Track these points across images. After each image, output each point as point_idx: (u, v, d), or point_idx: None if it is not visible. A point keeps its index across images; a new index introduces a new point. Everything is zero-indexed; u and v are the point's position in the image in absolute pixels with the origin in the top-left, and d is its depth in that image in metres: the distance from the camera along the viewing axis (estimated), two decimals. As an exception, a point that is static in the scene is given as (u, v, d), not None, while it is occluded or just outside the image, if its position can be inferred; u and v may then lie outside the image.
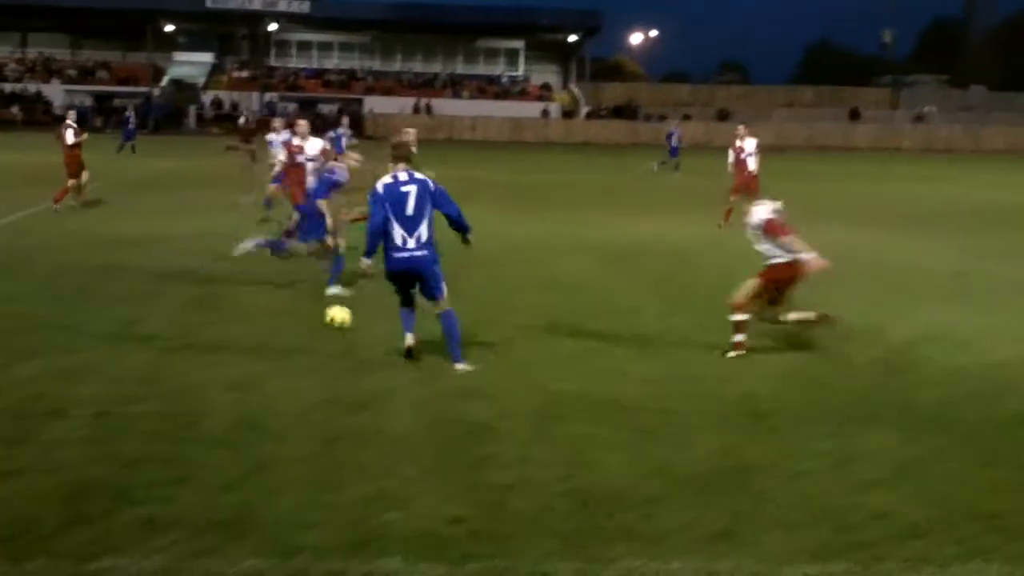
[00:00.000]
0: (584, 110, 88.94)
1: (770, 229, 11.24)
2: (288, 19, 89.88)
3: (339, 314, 10.85)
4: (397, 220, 10.27)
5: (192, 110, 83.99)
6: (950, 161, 61.25)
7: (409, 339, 10.67)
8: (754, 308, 11.34)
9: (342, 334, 11.05)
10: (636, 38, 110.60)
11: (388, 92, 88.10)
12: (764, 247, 11.36)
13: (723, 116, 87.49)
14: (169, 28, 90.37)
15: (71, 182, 23.62)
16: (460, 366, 10.27)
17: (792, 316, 11.54)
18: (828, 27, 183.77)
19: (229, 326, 12.11)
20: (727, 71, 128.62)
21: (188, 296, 13.94)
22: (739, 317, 11.20)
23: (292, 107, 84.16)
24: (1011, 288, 16.00)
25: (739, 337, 11.16)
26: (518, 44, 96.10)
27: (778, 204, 11.53)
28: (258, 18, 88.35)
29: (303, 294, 14.13)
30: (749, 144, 24.07)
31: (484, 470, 7.48)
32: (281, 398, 9.16)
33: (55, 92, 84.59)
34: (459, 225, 10.73)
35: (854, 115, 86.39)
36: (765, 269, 11.33)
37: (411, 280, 10.57)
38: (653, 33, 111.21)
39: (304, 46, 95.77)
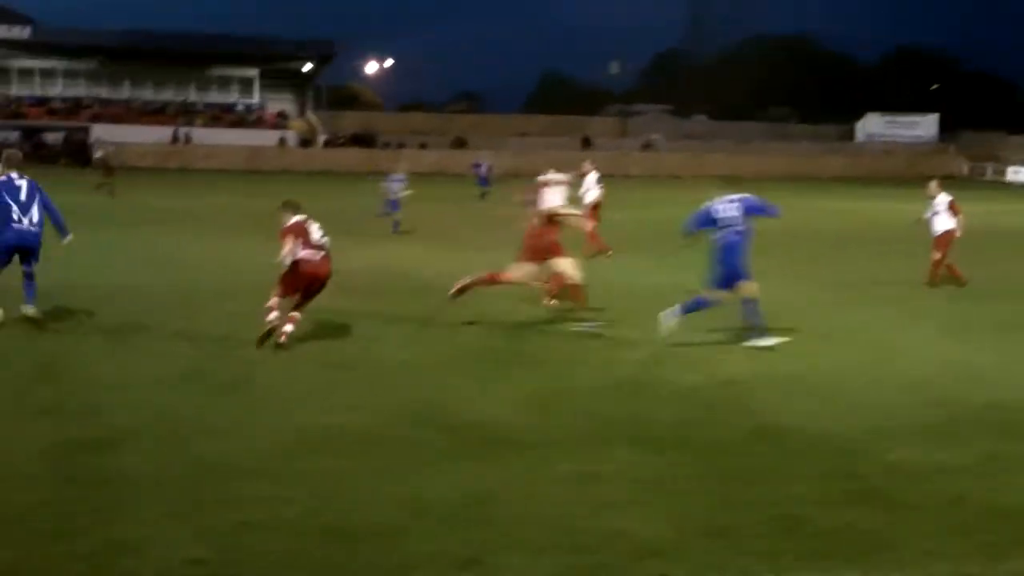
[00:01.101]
0: (322, 138, 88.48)
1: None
2: (8, 45, 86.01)
3: None
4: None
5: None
6: (677, 185, 63.86)
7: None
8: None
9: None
10: (371, 67, 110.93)
11: (117, 120, 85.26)
12: None
13: (459, 144, 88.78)
14: None
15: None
16: None
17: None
18: (557, 58, 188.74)
19: None
20: (461, 100, 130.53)
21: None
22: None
23: (14, 136, 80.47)
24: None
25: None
26: (252, 72, 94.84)
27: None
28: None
29: (36, 332, 13.53)
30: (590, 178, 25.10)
31: (229, 509, 7.35)
32: (11, 442, 8.77)
33: None
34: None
35: (586, 143, 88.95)
36: None
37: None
38: (388, 62, 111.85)
39: (26, 73, 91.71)
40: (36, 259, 13.86)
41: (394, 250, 24.65)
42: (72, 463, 8.29)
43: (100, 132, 78.84)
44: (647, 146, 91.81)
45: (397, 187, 31.10)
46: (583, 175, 24.79)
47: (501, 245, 18.74)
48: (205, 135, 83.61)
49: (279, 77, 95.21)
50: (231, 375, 11.46)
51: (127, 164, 59.12)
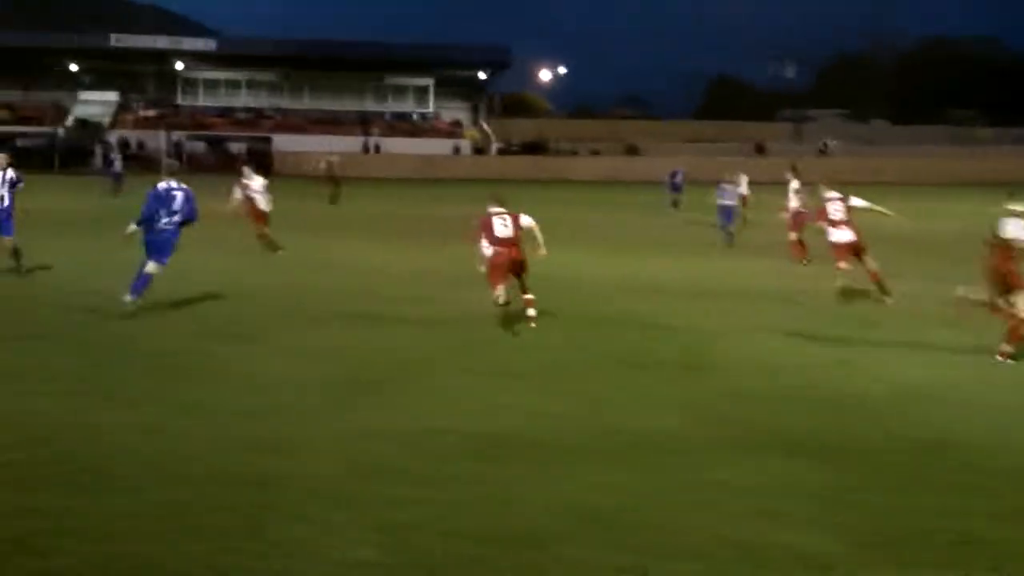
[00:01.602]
0: (495, 146, 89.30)
1: None
2: (194, 57, 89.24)
3: None
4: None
5: (98, 149, 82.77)
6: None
7: None
8: None
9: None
10: (544, 74, 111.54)
11: (296, 130, 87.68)
12: None
13: (632, 151, 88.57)
14: (73, 67, 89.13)
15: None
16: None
17: None
18: (729, 61, 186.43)
19: (135, 369, 11.96)
20: (627, 104, 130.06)
21: (89, 336, 13.71)
22: None
23: (200, 146, 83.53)
24: (909, 315, 16.40)
25: None
26: (427, 81, 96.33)
27: None
28: (164, 56, 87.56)
29: (206, 336, 14.00)
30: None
31: (397, 510, 7.48)
32: (194, 442, 9.08)
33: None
34: None
35: (759, 149, 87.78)
36: None
37: None
38: (561, 69, 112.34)
39: (211, 84, 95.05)
40: (166, 257, 15.64)
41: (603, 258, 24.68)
42: (242, 463, 8.55)
43: (280, 142, 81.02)
44: (822, 152, 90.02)
45: (731, 196, 30.01)
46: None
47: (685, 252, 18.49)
48: (387, 144, 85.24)
49: (454, 85, 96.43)
50: (399, 379, 11.67)
51: (305, 173, 60.62)
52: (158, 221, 15.62)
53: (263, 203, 24.45)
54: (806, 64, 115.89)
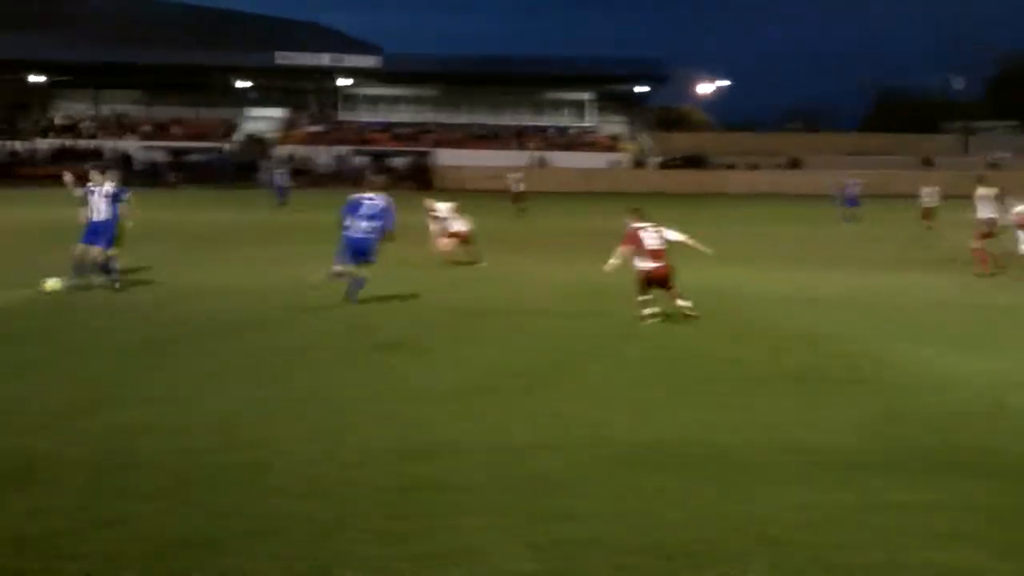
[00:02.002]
0: (653, 160, 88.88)
1: None
2: (357, 74, 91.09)
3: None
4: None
5: (265, 165, 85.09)
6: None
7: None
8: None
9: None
10: (703, 87, 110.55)
11: (456, 144, 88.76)
12: None
13: (794, 164, 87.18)
14: (241, 84, 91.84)
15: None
16: None
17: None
18: (895, 74, 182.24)
19: (303, 375, 12.13)
20: (793, 119, 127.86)
21: (263, 345, 14.00)
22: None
23: (365, 160, 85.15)
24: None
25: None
26: (585, 95, 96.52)
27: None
28: (328, 73, 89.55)
29: (366, 346, 14.13)
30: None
31: (555, 524, 7.34)
32: (351, 448, 9.12)
33: (130, 148, 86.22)
34: None
35: (927, 162, 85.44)
36: None
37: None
38: (721, 83, 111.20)
39: (373, 100, 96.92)
40: (367, 261, 17.69)
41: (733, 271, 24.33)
42: (403, 471, 8.52)
43: (440, 157, 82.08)
44: (993, 165, 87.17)
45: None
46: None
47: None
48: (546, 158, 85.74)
49: (612, 99, 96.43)
50: (565, 390, 11.57)
51: (466, 187, 61.23)
52: (351, 226, 17.65)
53: (459, 225, 24.75)
54: (974, 76, 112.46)
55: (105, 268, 19.46)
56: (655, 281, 16.02)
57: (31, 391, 11.10)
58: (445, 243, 24.79)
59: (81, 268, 19.26)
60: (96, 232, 19.37)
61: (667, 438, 9.62)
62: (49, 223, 34.88)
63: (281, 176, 53.71)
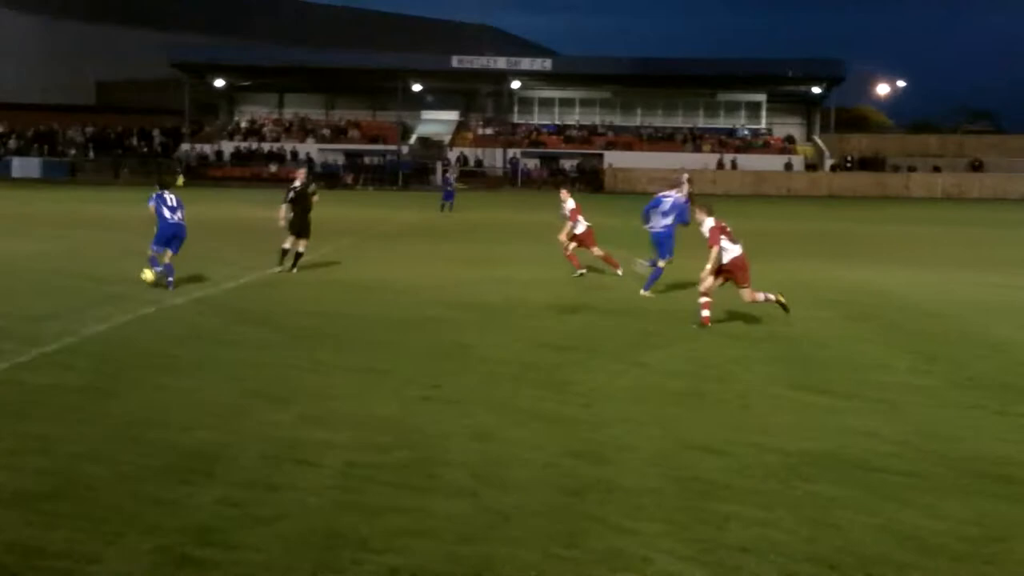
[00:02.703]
0: (828, 162, 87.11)
1: None
2: (531, 77, 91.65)
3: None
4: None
5: (439, 166, 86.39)
6: None
7: None
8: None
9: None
10: (881, 88, 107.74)
11: (627, 147, 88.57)
12: None
13: (976, 167, 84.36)
14: (417, 87, 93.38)
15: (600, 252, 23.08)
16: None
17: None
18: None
19: (474, 376, 12.31)
20: (975, 119, 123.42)
21: (435, 345, 14.28)
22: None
23: (534, 163, 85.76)
24: None
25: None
26: (760, 97, 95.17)
27: None
28: (502, 76, 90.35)
29: (542, 347, 14.25)
30: None
31: (723, 530, 7.35)
32: (523, 449, 9.25)
33: (310, 150, 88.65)
34: None
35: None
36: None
37: None
38: (900, 83, 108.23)
39: (546, 102, 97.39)
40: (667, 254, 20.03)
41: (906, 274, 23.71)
42: (573, 473, 8.59)
43: (612, 159, 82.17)
44: None
45: None
46: None
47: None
48: (716, 160, 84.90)
49: (786, 100, 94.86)
50: (732, 395, 11.50)
51: (637, 189, 61.11)
52: (651, 223, 20.19)
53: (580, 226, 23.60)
54: None
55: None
56: (730, 275, 15.99)
57: (210, 384, 11.56)
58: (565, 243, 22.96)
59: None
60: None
61: (830, 446, 9.50)
62: (237, 219, 36.10)
63: (449, 177, 54.45)
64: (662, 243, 19.96)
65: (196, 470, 8.40)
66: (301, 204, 22.27)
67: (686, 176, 23.06)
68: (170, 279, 19.31)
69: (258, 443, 9.23)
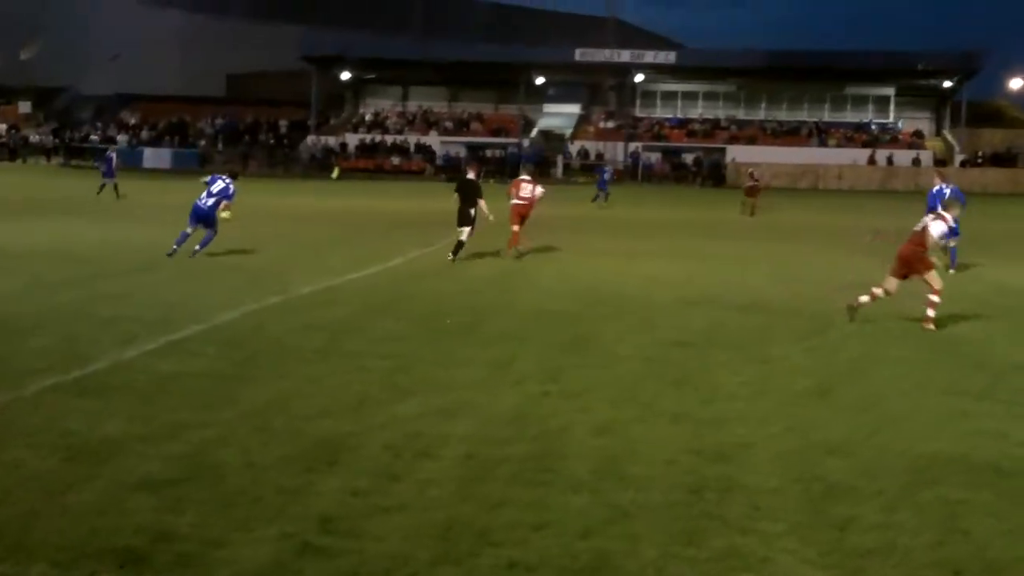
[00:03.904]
0: (958, 158, 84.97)
1: None
2: (654, 70, 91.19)
3: None
4: None
5: (559, 159, 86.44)
6: None
7: None
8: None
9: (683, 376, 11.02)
10: (1017, 81, 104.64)
11: (751, 141, 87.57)
12: None
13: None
14: (539, 80, 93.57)
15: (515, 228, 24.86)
16: None
17: None
18: None
19: (596, 371, 12.30)
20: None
21: (559, 338, 14.29)
22: None
23: (655, 156, 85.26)
24: None
25: None
26: (888, 91, 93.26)
27: None
28: (625, 69, 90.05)
29: (666, 342, 14.17)
30: None
31: (846, 532, 7.23)
32: (644, 445, 9.21)
33: (433, 143, 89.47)
34: None
35: None
36: None
37: None
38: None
39: (669, 96, 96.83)
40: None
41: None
42: (696, 471, 8.52)
43: (735, 153, 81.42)
44: None
45: None
46: None
47: None
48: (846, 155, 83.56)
49: (916, 94, 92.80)
50: (859, 394, 11.32)
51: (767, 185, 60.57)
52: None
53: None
54: None
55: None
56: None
57: (336, 374, 11.74)
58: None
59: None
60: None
61: (960, 448, 9.27)
62: (367, 209, 36.61)
63: (607, 173, 54.43)
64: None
65: (320, 459, 8.53)
66: (465, 195, 23.37)
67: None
68: (197, 247, 22.17)
69: (381, 433, 9.33)
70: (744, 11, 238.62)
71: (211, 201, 22.34)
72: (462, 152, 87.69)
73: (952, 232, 19.28)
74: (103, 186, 43.98)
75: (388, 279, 20.23)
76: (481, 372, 12.03)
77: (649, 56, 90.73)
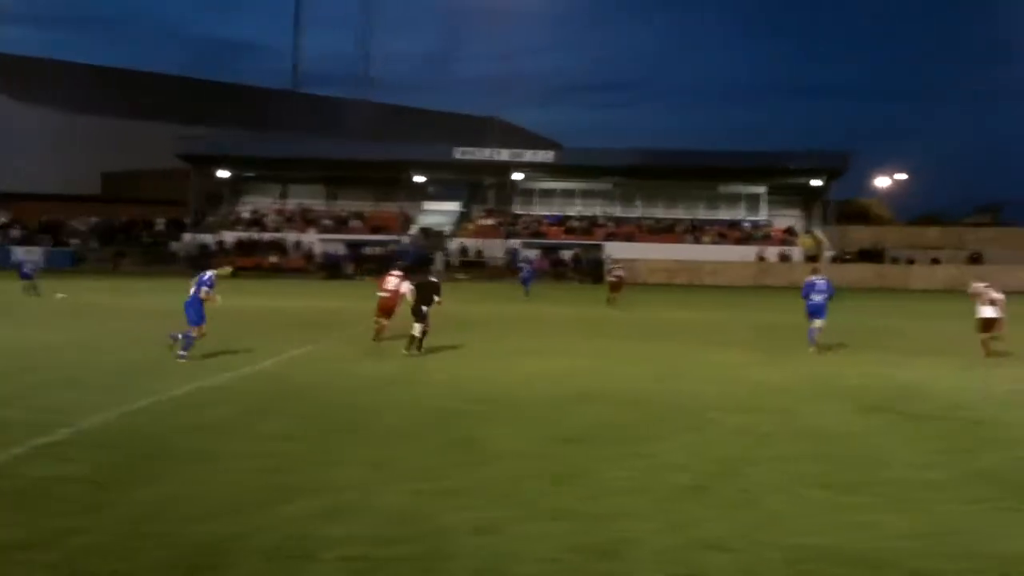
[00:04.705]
0: (828, 254, 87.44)
1: None
2: (533, 168, 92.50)
3: None
4: None
5: (439, 256, 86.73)
6: None
7: None
8: None
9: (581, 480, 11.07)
10: (882, 180, 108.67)
11: (628, 238, 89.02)
12: None
13: (975, 259, 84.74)
14: (419, 178, 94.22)
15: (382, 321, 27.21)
16: None
17: None
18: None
19: (479, 468, 12.27)
20: (982, 212, 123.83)
21: (442, 437, 14.22)
22: None
23: (534, 253, 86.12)
24: None
25: None
26: (760, 189, 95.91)
27: None
28: (504, 168, 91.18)
29: (548, 439, 14.21)
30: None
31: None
32: (526, 543, 9.21)
33: (311, 240, 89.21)
34: None
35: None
36: None
37: None
38: (900, 176, 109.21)
39: (547, 193, 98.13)
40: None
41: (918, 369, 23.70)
42: (580, 569, 8.55)
43: (612, 250, 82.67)
44: None
45: None
46: None
47: None
48: (715, 252, 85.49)
49: (787, 193, 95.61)
50: (736, 489, 11.47)
51: (638, 280, 61.52)
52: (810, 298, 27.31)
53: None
54: None
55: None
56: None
57: (217, 476, 11.53)
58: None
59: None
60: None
61: (834, 541, 9.45)
62: (241, 310, 36.22)
63: (526, 270, 55.64)
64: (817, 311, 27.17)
65: (199, 564, 8.37)
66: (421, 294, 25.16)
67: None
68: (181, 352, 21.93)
69: (262, 535, 9.19)
70: (624, 113, 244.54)
71: (191, 295, 22.53)
72: (341, 250, 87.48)
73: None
74: None
75: (269, 378, 19.98)
76: (364, 472, 11.93)
77: (528, 155, 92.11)
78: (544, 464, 12.60)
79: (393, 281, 27.22)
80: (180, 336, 22.14)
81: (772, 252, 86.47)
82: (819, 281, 27.60)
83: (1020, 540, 9.65)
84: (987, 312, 26.67)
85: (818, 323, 26.99)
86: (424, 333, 24.53)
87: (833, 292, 27.56)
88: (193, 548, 8.77)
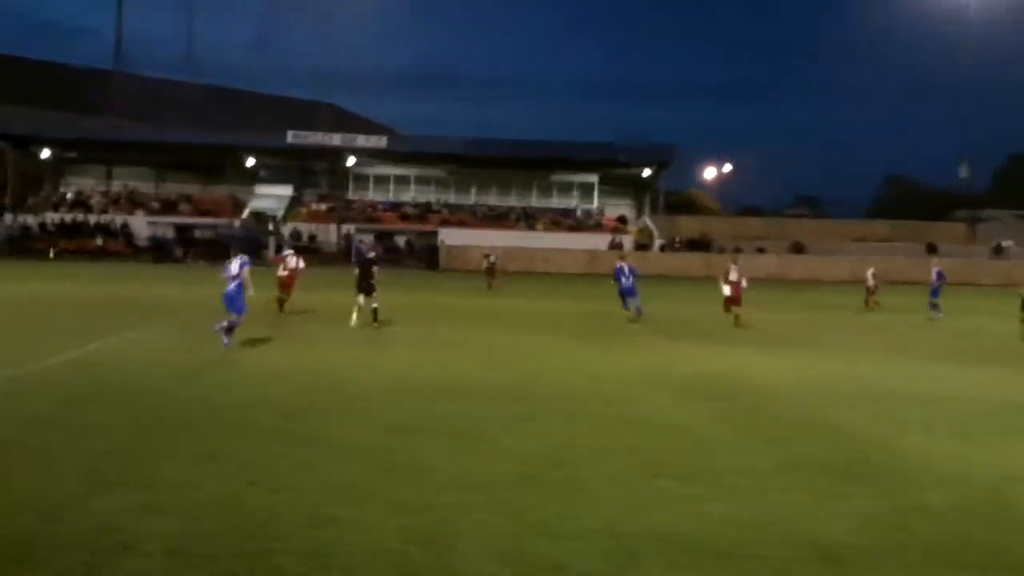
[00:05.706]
0: (658, 243, 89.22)
1: None
2: (366, 154, 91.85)
3: None
4: None
5: (271, 240, 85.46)
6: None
7: None
8: None
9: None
10: (709, 172, 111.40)
11: (462, 224, 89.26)
12: None
13: (797, 249, 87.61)
14: (250, 162, 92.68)
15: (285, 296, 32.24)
16: None
17: None
18: (902, 163, 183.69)
19: (307, 460, 12.07)
20: (800, 204, 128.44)
21: (270, 428, 13.94)
22: None
23: (369, 238, 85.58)
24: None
25: None
26: (592, 178, 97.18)
27: None
28: (337, 153, 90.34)
29: (378, 428, 14.09)
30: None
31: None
32: (355, 533, 9.12)
33: (139, 223, 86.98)
34: None
35: (931, 249, 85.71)
36: None
37: None
38: (726, 168, 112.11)
39: (381, 179, 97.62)
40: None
41: (739, 356, 24.26)
42: (409, 558, 8.49)
43: (446, 236, 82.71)
44: (998, 251, 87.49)
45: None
46: None
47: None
48: (549, 239, 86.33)
49: (618, 183, 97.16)
50: (565, 477, 11.52)
51: (471, 267, 61.77)
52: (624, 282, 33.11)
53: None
54: (981, 166, 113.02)
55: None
56: None
57: (32, 471, 11.10)
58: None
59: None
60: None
61: (663, 528, 9.61)
62: (59, 296, 34.99)
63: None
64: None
65: (10, 557, 8.05)
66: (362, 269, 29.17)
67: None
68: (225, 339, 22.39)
69: (80, 530, 8.87)
70: (460, 105, 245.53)
71: (232, 285, 22.76)
72: (169, 233, 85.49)
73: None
74: None
75: (86, 368, 19.31)
76: (187, 465, 11.62)
77: (361, 140, 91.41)
78: (373, 455, 12.47)
79: (292, 261, 33.09)
80: (225, 324, 22.61)
81: (628, 241, 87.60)
82: (626, 267, 33.61)
83: (838, 524, 9.93)
84: (726, 290, 33.55)
85: (632, 302, 32.93)
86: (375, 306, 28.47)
87: (636, 275, 33.85)
88: (4, 542, 8.42)
